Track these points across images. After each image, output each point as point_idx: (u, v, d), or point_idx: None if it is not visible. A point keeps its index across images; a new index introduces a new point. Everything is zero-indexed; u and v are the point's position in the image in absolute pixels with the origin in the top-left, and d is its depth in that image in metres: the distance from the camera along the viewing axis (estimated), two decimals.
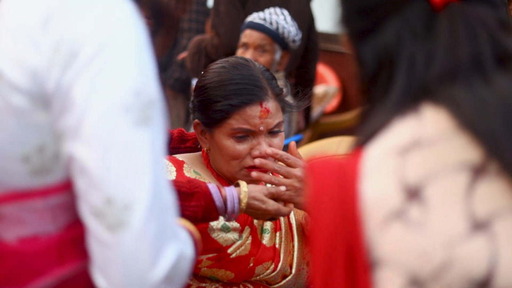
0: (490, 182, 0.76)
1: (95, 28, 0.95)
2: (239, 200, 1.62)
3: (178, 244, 0.99)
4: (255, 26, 3.29)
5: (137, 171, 0.95)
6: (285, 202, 1.67)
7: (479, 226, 0.75)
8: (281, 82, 3.29)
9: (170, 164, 1.76)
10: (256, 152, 1.70)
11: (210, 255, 1.72)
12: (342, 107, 4.90)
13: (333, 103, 4.80)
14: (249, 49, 3.30)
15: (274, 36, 3.27)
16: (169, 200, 1.00)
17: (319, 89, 4.36)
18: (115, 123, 0.94)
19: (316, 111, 4.13)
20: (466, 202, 0.76)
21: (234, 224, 1.74)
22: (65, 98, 0.95)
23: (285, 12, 3.37)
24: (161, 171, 0.98)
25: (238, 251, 1.73)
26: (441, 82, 0.81)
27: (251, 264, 1.74)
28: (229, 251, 1.73)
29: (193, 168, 1.78)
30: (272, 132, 1.72)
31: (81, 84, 0.94)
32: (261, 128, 1.69)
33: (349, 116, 4.36)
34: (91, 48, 0.94)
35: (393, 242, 0.78)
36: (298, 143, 3.40)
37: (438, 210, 0.76)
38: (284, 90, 1.77)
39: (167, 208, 0.99)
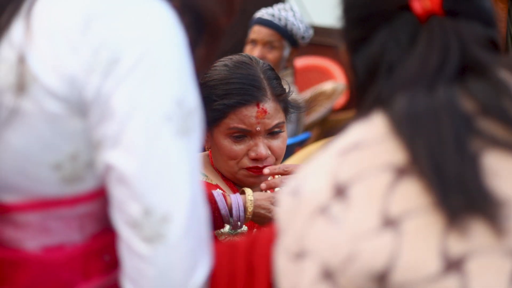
0: (410, 184, 0.79)
1: (136, 35, 0.93)
2: (245, 209, 1.60)
3: (208, 261, 0.98)
4: (263, 22, 3.26)
5: (176, 182, 0.93)
6: None
7: (389, 223, 0.78)
8: (290, 79, 3.30)
9: None
10: (252, 154, 1.67)
11: None
12: (351, 103, 4.86)
13: (341, 100, 4.76)
14: (257, 46, 3.27)
15: (283, 32, 3.24)
16: (204, 213, 0.98)
17: (327, 86, 4.31)
18: (157, 132, 0.92)
19: (324, 108, 4.09)
20: (383, 201, 0.79)
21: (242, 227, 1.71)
22: (105, 106, 0.92)
23: (295, 8, 3.33)
24: (198, 183, 0.96)
25: (236, 230, 1.70)
26: (399, 90, 0.85)
27: None
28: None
29: (200, 170, 1.74)
30: (271, 133, 1.69)
31: (122, 92, 0.92)
32: (258, 128, 1.66)
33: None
34: (133, 55, 0.92)
35: (316, 235, 0.83)
36: (306, 142, 3.37)
37: (357, 207, 0.80)
38: (288, 90, 1.74)
39: (202, 222, 0.97)
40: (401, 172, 0.80)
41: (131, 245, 0.94)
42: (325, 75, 4.99)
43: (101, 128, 0.93)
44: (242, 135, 1.67)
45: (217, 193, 1.59)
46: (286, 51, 3.28)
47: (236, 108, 1.65)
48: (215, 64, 1.72)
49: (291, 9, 3.30)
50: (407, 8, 0.88)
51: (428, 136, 0.79)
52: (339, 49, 0.96)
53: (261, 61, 1.75)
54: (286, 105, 1.72)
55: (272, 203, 1.63)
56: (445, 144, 0.78)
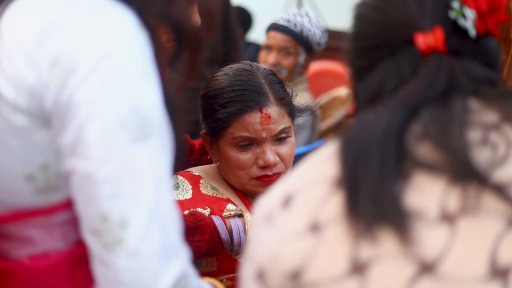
0: (342, 195, 0.86)
1: (92, 43, 0.94)
2: (245, 231, 1.57)
3: (181, 263, 0.97)
4: (279, 28, 3.22)
5: (134, 188, 0.94)
6: None
7: (315, 229, 0.84)
8: (304, 85, 3.26)
9: (186, 181, 1.68)
10: (260, 162, 1.63)
11: (230, 275, 1.65)
12: None
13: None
14: (272, 52, 3.23)
15: (299, 38, 3.20)
16: (171, 217, 0.98)
17: (342, 91, 4.28)
18: (113, 140, 0.94)
19: (340, 113, 4.05)
20: (315, 209, 0.85)
21: None
22: (64, 115, 0.94)
23: (310, 13, 3.29)
24: (163, 188, 0.97)
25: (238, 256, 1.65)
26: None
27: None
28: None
29: (210, 183, 1.70)
30: (279, 139, 1.65)
31: (78, 102, 0.93)
32: (264, 135, 1.62)
33: None
34: (88, 64, 0.94)
35: (256, 240, 0.90)
36: None
37: (293, 214, 0.87)
38: (291, 93, 1.69)
39: (168, 226, 0.97)
40: (337, 185, 0.86)
41: (95, 252, 0.96)
42: (339, 80, 4.94)
43: (61, 137, 0.95)
44: (248, 143, 1.63)
45: (216, 218, 1.56)
46: (302, 58, 3.24)
47: (239, 116, 1.61)
48: (215, 74, 1.69)
49: (307, 15, 3.26)
50: (412, 42, 0.90)
51: (358, 154, 0.85)
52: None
53: (262, 66, 1.71)
54: (291, 109, 1.68)
55: None
56: (369, 162, 0.84)
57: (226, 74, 1.67)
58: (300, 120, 3.13)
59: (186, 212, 1.59)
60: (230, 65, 1.71)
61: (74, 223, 1.00)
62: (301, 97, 3.14)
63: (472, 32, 0.90)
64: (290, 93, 1.69)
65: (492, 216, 0.81)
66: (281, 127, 1.64)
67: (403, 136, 0.85)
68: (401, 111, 0.86)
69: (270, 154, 1.62)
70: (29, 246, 1.01)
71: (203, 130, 1.70)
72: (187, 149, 1.73)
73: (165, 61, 1.05)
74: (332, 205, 0.85)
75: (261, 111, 1.61)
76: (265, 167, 1.63)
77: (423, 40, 0.89)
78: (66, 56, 0.94)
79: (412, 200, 0.82)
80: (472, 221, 0.80)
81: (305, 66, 3.29)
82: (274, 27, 3.24)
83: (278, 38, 3.22)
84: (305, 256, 0.84)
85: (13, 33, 0.97)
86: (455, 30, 0.91)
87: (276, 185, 0.93)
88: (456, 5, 0.91)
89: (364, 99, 0.94)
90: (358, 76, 0.95)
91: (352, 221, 0.83)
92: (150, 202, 0.94)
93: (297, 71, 3.26)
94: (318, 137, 3.34)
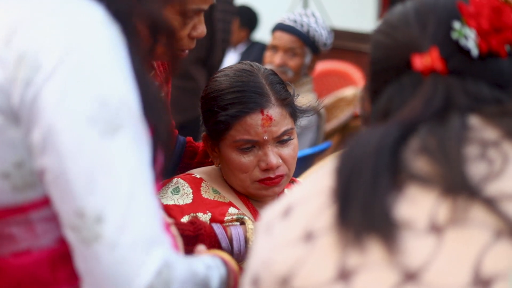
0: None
1: (56, 39, 0.95)
2: (246, 239, 1.55)
3: (163, 252, 0.97)
4: (285, 28, 3.19)
5: (107, 182, 0.94)
6: None
7: (309, 237, 0.87)
8: (310, 86, 3.24)
9: (187, 185, 1.65)
10: (263, 164, 1.59)
11: None
12: None
13: None
14: (278, 52, 3.20)
15: (305, 39, 3.17)
16: (149, 208, 0.98)
17: (348, 92, 4.24)
18: (82, 135, 0.94)
19: (345, 114, 4.02)
20: (311, 219, 0.88)
21: None
22: (31, 112, 0.95)
23: (317, 14, 3.26)
24: (139, 180, 0.97)
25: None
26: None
27: None
28: None
29: (212, 185, 1.67)
30: (281, 141, 1.61)
31: (44, 97, 0.94)
32: (265, 137, 1.58)
33: None
34: (53, 59, 0.94)
35: (255, 248, 0.93)
36: (326, 151, 3.29)
37: (289, 223, 0.90)
38: (293, 94, 1.65)
39: (146, 217, 0.97)
40: (332, 196, 0.88)
41: (76, 248, 0.96)
42: (345, 80, 4.91)
43: (31, 135, 0.96)
44: (249, 146, 1.59)
45: (216, 226, 1.54)
46: (308, 58, 3.21)
47: (240, 118, 1.57)
48: (215, 75, 1.66)
49: (313, 15, 3.23)
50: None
51: (351, 167, 0.87)
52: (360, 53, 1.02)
53: (262, 66, 1.67)
54: (293, 110, 1.64)
55: None
56: (362, 174, 0.86)
57: (226, 75, 1.63)
58: (305, 121, 3.14)
59: (186, 217, 1.57)
60: (230, 66, 1.67)
61: (54, 220, 1.00)
62: (307, 98, 3.14)
63: (474, 52, 0.91)
64: (292, 94, 1.65)
65: (479, 228, 0.82)
66: (283, 129, 1.60)
67: (399, 150, 0.87)
68: (396, 127, 0.88)
69: (273, 156, 1.59)
70: (11, 244, 1.02)
71: (204, 133, 1.67)
72: (173, 144, 1.70)
73: (148, 56, 1.05)
74: (327, 215, 0.87)
75: (262, 112, 1.57)
76: (267, 169, 1.60)
77: (420, 61, 0.91)
78: (32, 53, 0.94)
79: (402, 211, 0.84)
80: (459, 232, 0.82)
81: (311, 67, 3.26)
82: (280, 27, 3.21)
83: (285, 38, 3.19)
84: (295, 263, 0.86)
85: None
86: (457, 50, 0.92)
87: (281, 197, 0.96)
88: (457, 25, 0.92)
89: (374, 122, 0.95)
90: (372, 99, 0.98)
91: (342, 231, 0.85)
92: (125, 194, 0.95)
93: (303, 72, 3.23)
94: (323, 138, 3.31)
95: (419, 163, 0.86)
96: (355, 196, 0.86)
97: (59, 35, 0.95)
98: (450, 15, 0.93)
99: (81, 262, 0.97)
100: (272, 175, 1.60)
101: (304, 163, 2.96)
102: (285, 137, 1.61)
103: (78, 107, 0.94)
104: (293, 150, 1.63)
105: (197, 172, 1.70)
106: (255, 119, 1.57)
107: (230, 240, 1.55)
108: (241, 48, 5.50)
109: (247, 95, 1.58)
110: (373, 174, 0.86)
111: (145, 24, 1.04)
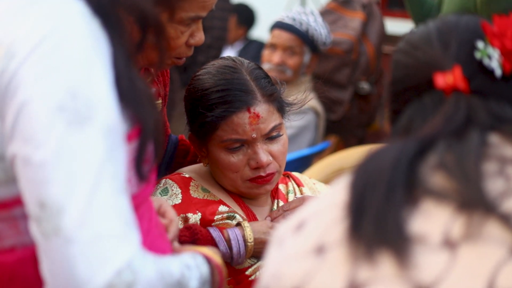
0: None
1: (31, 28, 0.94)
2: (245, 239, 1.52)
3: (126, 252, 0.93)
4: (284, 27, 3.16)
5: (70, 173, 0.92)
6: None
7: (320, 251, 0.86)
8: (308, 85, 3.21)
9: (176, 185, 1.61)
10: (253, 163, 1.55)
11: (228, 278, 1.58)
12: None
13: None
14: (277, 50, 3.18)
15: (304, 37, 3.14)
16: (115, 205, 0.94)
17: None
18: (49, 122, 0.92)
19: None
20: (323, 232, 0.88)
21: None
22: (4, 100, 0.94)
23: (316, 12, 3.23)
24: (104, 174, 0.94)
25: (258, 273, 1.59)
26: None
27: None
28: (247, 272, 1.59)
29: (201, 184, 1.63)
30: (270, 138, 1.57)
31: (16, 83, 0.93)
32: (254, 135, 1.53)
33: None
34: (26, 47, 0.93)
35: (266, 261, 0.93)
36: (325, 151, 3.26)
37: (301, 237, 0.89)
38: (278, 88, 1.61)
39: (110, 213, 0.93)
40: (346, 210, 0.87)
41: (38, 243, 0.94)
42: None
43: (4, 123, 0.95)
44: (238, 145, 1.55)
45: (213, 230, 1.51)
46: (307, 57, 3.18)
47: (227, 118, 1.53)
48: (197, 73, 1.61)
49: (312, 13, 3.20)
50: (434, 83, 0.92)
51: (366, 182, 0.87)
52: None
53: (246, 61, 1.61)
54: (280, 105, 1.59)
55: (270, 227, 1.55)
56: (377, 189, 0.85)
57: (208, 72, 1.58)
58: (303, 121, 3.11)
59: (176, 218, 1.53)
60: (212, 62, 1.62)
61: None
62: (305, 97, 3.12)
63: (498, 72, 0.90)
64: (278, 87, 1.61)
65: (494, 244, 0.81)
66: (272, 125, 1.55)
67: (416, 165, 0.87)
68: (413, 142, 0.88)
69: (263, 154, 1.55)
70: None
71: (190, 133, 1.63)
72: (164, 139, 1.67)
73: (135, 51, 1.03)
74: (339, 229, 0.86)
75: (249, 110, 1.53)
76: (258, 168, 1.56)
77: (442, 79, 0.90)
78: (7, 43, 0.94)
79: (416, 226, 0.83)
80: (473, 248, 0.81)
81: (310, 66, 3.23)
82: (279, 26, 3.18)
83: (283, 37, 3.16)
84: (306, 276, 0.85)
85: None
86: (480, 70, 0.91)
87: (296, 212, 0.95)
88: (481, 45, 0.92)
89: (395, 138, 0.95)
90: (393, 120, 0.98)
91: (353, 244, 0.84)
92: (88, 188, 0.92)
93: (302, 71, 3.20)
94: (321, 138, 3.28)
95: (436, 179, 0.86)
96: (368, 210, 0.85)
97: (35, 25, 0.94)
98: (473, 34, 0.93)
99: (43, 257, 0.94)
100: (263, 173, 1.57)
101: (302, 163, 2.93)
102: (274, 133, 1.57)
103: (48, 94, 0.92)
104: (282, 145, 1.59)
105: (186, 171, 1.66)
106: (242, 118, 1.53)
107: (228, 242, 1.52)
108: (238, 46, 5.47)
109: (232, 93, 1.53)
110: (388, 188, 0.85)
111: (132, 16, 1.02)
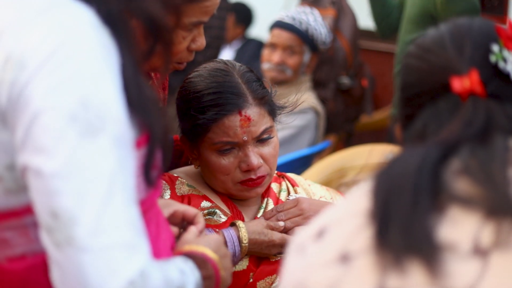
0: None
1: (42, 39, 0.94)
2: (240, 239, 1.52)
3: (139, 261, 0.94)
4: (284, 26, 3.15)
5: (82, 183, 0.92)
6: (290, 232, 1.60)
7: (345, 259, 0.86)
8: (308, 85, 3.20)
9: (165, 183, 1.62)
10: (244, 165, 1.55)
11: None
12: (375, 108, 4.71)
13: None
14: (276, 50, 3.16)
15: (304, 37, 3.13)
16: (127, 214, 0.95)
17: None
18: (61, 133, 0.92)
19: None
20: (346, 240, 0.87)
21: None
22: (15, 111, 0.94)
23: (315, 12, 3.22)
24: (117, 184, 0.94)
25: (234, 268, 1.57)
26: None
27: (251, 280, 1.59)
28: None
29: (188, 182, 1.64)
30: (260, 140, 1.57)
31: (28, 95, 0.93)
32: (245, 138, 1.54)
33: (380, 116, 4.19)
34: (38, 59, 0.93)
35: (286, 267, 0.93)
36: (324, 151, 3.26)
37: (324, 244, 0.89)
38: (269, 91, 1.61)
39: (122, 223, 0.94)
40: (370, 218, 0.87)
41: (49, 252, 0.94)
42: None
43: (15, 134, 0.95)
44: (229, 148, 1.55)
45: (208, 231, 1.50)
46: (306, 57, 3.17)
47: (218, 120, 1.53)
48: (189, 76, 1.61)
49: (312, 13, 3.18)
50: (450, 87, 0.91)
51: (390, 188, 0.86)
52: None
53: (238, 64, 1.62)
54: (271, 108, 1.60)
55: (265, 226, 1.55)
56: (402, 196, 0.85)
57: (200, 75, 1.58)
58: (304, 121, 3.10)
59: None
60: (204, 65, 1.62)
61: None
62: (305, 97, 3.11)
63: None
64: (269, 90, 1.61)
65: None
66: (263, 128, 1.56)
67: (439, 171, 0.86)
68: (436, 148, 0.87)
69: (253, 157, 1.55)
70: (6, 249, 1.01)
71: (181, 135, 1.63)
72: (170, 146, 1.68)
73: (142, 58, 1.04)
74: (364, 237, 0.86)
75: (240, 113, 1.53)
76: (248, 170, 1.56)
77: (459, 83, 0.90)
78: (17, 53, 0.94)
79: (445, 233, 0.83)
80: (505, 256, 0.81)
81: (309, 66, 3.22)
82: (278, 25, 3.17)
83: (283, 36, 3.14)
84: (332, 284, 0.85)
85: None
86: (496, 74, 0.91)
87: (314, 219, 0.95)
88: (496, 48, 0.92)
89: (408, 144, 0.94)
90: (404, 125, 0.97)
91: (380, 252, 0.84)
92: (101, 198, 0.92)
93: (302, 70, 3.19)
94: (321, 138, 3.27)
95: (460, 184, 0.85)
96: (394, 217, 0.84)
97: (45, 36, 0.94)
98: (487, 38, 0.93)
99: (54, 267, 0.94)
100: (253, 176, 1.57)
101: (303, 163, 2.92)
102: (265, 136, 1.57)
103: (60, 105, 0.92)
104: (273, 148, 1.59)
105: (176, 171, 1.67)
106: (233, 121, 1.53)
107: (224, 243, 1.50)
108: (236, 44, 5.46)
109: (223, 96, 1.54)
110: (414, 194, 0.84)
111: (141, 22, 1.02)
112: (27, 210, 0.99)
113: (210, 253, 1.17)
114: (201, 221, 1.29)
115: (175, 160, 1.75)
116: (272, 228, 1.57)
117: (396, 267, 0.82)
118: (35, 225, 0.99)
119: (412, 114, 0.95)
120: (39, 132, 0.93)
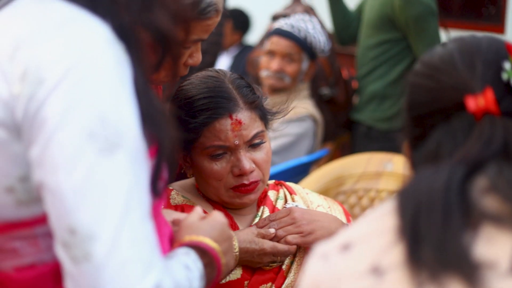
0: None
1: (59, 55, 0.95)
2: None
3: (155, 276, 0.96)
4: (283, 33, 3.14)
5: (101, 200, 0.93)
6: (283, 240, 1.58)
7: (376, 271, 0.87)
8: (306, 92, 3.19)
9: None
10: (236, 170, 1.55)
11: None
12: None
13: None
14: (275, 58, 3.16)
15: (302, 44, 3.12)
16: (143, 230, 0.97)
17: None
18: (79, 150, 0.93)
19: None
20: (378, 254, 0.88)
21: None
22: (32, 127, 0.95)
23: (314, 19, 3.21)
24: (133, 201, 0.95)
25: (228, 277, 1.57)
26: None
27: None
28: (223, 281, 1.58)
29: (182, 193, 1.64)
30: (252, 145, 1.57)
31: (45, 112, 0.94)
32: (236, 142, 1.54)
33: None
34: (55, 75, 0.94)
35: (307, 271, 0.94)
36: (322, 159, 3.25)
37: (352, 257, 0.90)
38: (260, 97, 1.62)
39: (139, 239, 0.95)
40: (399, 235, 0.88)
41: (64, 266, 0.95)
42: None
43: (31, 149, 0.96)
44: (221, 152, 1.55)
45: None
46: (305, 64, 3.17)
47: (209, 124, 1.54)
48: (181, 84, 1.62)
49: (311, 21, 3.18)
50: (463, 106, 0.91)
51: (417, 207, 0.87)
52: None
53: (228, 72, 1.63)
54: (262, 113, 1.61)
55: (256, 236, 1.54)
56: (432, 214, 0.86)
57: (191, 83, 1.59)
58: (301, 128, 3.09)
59: None
60: (196, 74, 1.63)
61: None
62: (303, 105, 3.10)
63: None
64: (260, 96, 1.62)
65: None
66: (254, 132, 1.56)
67: (466, 189, 0.87)
68: (461, 167, 0.88)
69: (245, 161, 1.55)
70: (15, 258, 1.02)
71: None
72: (177, 157, 1.67)
73: (151, 70, 1.05)
74: (395, 253, 0.87)
75: (231, 117, 1.54)
76: (241, 175, 1.56)
77: (474, 102, 0.90)
78: (35, 68, 0.94)
79: (481, 251, 0.84)
80: None
81: (308, 73, 3.21)
82: (277, 32, 3.16)
83: (282, 44, 3.14)
84: None
85: None
86: (508, 91, 0.91)
87: (337, 234, 0.96)
88: (507, 66, 0.92)
89: (419, 165, 0.94)
90: (414, 145, 0.97)
91: (414, 268, 0.85)
92: (118, 214, 0.94)
93: (300, 78, 3.19)
94: (319, 146, 3.26)
95: (489, 202, 0.86)
96: (425, 234, 0.85)
97: (63, 51, 0.95)
98: (497, 55, 0.93)
99: (69, 281, 0.95)
100: (246, 181, 1.57)
101: (300, 171, 2.91)
102: (257, 141, 1.58)
103: (78, 122, 0.93)
104: (266, 154, 1.59)
105: (170, 185, 1.66)
106: (224, 124, 1.54)
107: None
108: (234, 51, 5.45)
109: (214, 100, 1.54)
110: (444, 212, 0.85)
111: (150, 35, 1.03)
112: (38, 221, 0.99)
113: (210, 242, 1.17)
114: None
115: (174, 169, 1.74)
116: (263, 237, 1.56)
117: (433, 282, 0.83)
118: (45, 235, 1.00)
119: (422, 134, 0.95)
120: (57, 148, 0.93)
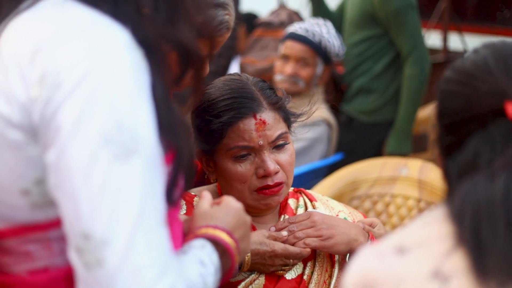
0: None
1: (77, 59, 0.95)
2: None
3: (169, 281, 0.95)
4: (297, 38, 3.14)
5: (115, 206, 0.93)
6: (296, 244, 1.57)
7: (439, 276, 0.88)
8: (321, 97, 3.18)
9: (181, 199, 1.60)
10: (260, 171, 1.54)
11: None
12: None
13: None
14: (289, 62, 3.15)
15: (317, 49, 3.12)
16: (158, 236, 0.96)
17: None
18: (95, 155, 0.93)
19: None
20: (439, 260, 0.89)
21: None
22: (48, 130, 0.95)
23: (329, 23, 3.21)
24: (149, 207, 0.95)
25: (251, 286, 1.57)
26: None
27: None
28: (239, 287, 1.57)
29: None
30: (276, 147, 1.56)
31: (62, 115, 0.94)
32: (260, 142, 1.53)
33: None
34: (73, 79, 0.94)
35: (356, 262, 0.95)
36: (339, 164, 3.24)
37: (412, 261, 0.90)
38: (283, 98, 1.61)
39: (153, 245, 0.95)
40: (458, 242, 0.89)
41: (77, 271, 0.95)
42: None
43: (46, 153, 0.96)
44: (245, 153, 1.54)
45: None
46: (319, 69, 3.16)
47: (233, 124, 1.53)
48: (205, 88, 1.62)
49: (325, 25, 3.18)
50: (501, 113, 0.90)
51: (477, 216, 0.87)
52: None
53: (250, 76, 1.63)
54: (286, 115, 1.60)
55: (268, 238, 1.53)
56: (496, 225, 0.86)
57: (215, 86, 1.60)
58: (316, 133, 3.09)
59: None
60: (219, 78, 1.64)
61: None
62: (317, 109, 3.09)
63: None
64: (283, 98, 1.61)
65: None
66: (278, 132, 1.55)
67: None
68: None
69: (270, 162, 1.54)
70: (28, 262, 1.02)
71: (197, 149, 1.62)
72: (194, 167, 1.67)
73: (171, 79, 1.05)
74: (456, 259, 0.87)
75: (255, 117, 1.53)
76: (265, 176, 1.55)
77: None
78: (53, 72, 0.95)
79: None
80: None
81: (322, 78, 3.21)
82: (291, 36, 3.16)
83: (296, 48, 3.13)
84: None
85: (10, 49, 0.99)
86: None
87: (385, 238, 0.96)
88: None
89: (456, 175, 0.94)
90: (447, 153, 0.96)
91: (480, 276, 0.86)
92: (133, 221, 0.93)
93: (314, 82, 3.18)
94: (334, 150, 3.25)
95: None
96: (489, 243, 0.86)
97: (82, 56, 0.95)
98: None
99: (81, 287, 0.95)
100: (270, 183, 1.55)
101: (315, 176, 2.90)
102: (281, 142, 1.57)
103: (94, 128, 0.93)
104: (290, 156, 1.58)
105: (193, 190, 1.66)
106: (249, 124, 1.53)
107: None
108: None
109: (238, 101, 1.54)
110: (507, 221, 0.86)
111: (175, 51, 1.04)
112: (52, 224, 1.00)
113: (225, 237, 1.16)
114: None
115: (192, 177, 1.74)
116: (275, 239, 1.55)
117: None
118: (59, 239, 1.00)
119: (457, 142, 0.95)
120: (73, 154, 0.93)
